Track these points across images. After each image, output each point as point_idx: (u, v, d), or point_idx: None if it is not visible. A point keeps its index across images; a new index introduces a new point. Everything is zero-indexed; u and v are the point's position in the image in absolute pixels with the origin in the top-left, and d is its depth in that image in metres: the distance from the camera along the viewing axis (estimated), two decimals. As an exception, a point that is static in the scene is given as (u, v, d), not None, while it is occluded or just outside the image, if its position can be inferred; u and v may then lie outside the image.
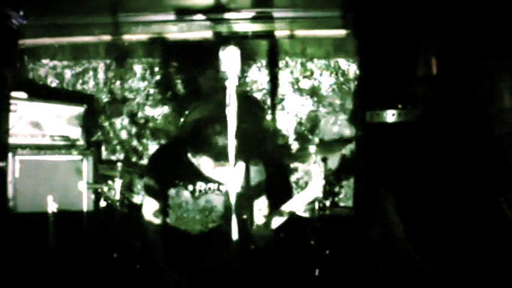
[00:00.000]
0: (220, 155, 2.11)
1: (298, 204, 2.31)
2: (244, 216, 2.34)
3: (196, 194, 2.32)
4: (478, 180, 2.02)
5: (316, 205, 2.78)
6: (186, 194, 2.32)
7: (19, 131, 3.06)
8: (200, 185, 2.32)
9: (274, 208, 2.37)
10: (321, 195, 2.34)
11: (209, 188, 2.33)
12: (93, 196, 3.20)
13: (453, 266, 1.98)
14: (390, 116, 2.58)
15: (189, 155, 2.28)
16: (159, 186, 2.32)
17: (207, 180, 2.31)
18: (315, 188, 2.31)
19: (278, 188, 2.75)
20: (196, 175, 2.30)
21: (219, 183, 2.32)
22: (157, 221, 2.35)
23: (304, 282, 2.74)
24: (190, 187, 2.32)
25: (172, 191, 2.32)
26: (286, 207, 2.31)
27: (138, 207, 2.52)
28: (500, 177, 2.01)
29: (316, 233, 2.81)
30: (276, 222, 2.30)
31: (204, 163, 2.22)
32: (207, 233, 2.34)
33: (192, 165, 2.28)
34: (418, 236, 2.09)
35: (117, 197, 2.90)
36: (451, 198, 2.05)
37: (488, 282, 1.93)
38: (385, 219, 2.24)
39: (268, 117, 3.75)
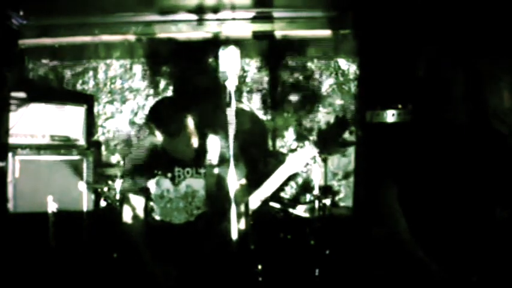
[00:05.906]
0: (174, 131, 2.13)
1: (275, 182, 2.27)
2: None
3: (176, 180, 2.31)
4: (478, 179, 2.02)
5: (316, 205, 2.78)
6: (166, 183, 2.31)
7: (19, 131, 3.06)
8: (178, 170, 2.31)
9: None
10: (300, 169, 2.29)
11: (187, 172, 2.31)
12: (93, 196, 3.20)
13: (457, 262, 1.98)
14: (390, 116, 2.58)
15: (154, 137, 2.25)
16: (141, 180, 2.31)
17: (184, 164, 2.31)
18: (292, 163, 2.27)
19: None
20: (172, 161, 2.29)
21: (197, 167, 2.31)
22: (141, 217, 2.33)
23: (304, 282, 2.75)
24: (169, 174, 2.30)
25: (152, 182, 2.31)
26: (263, 188, 2.28)
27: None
28: (499, 176, 2.01)
29: (316, 233, 2.81)
30: (253, 205, 2.27)
31: (163, 140, 2.21)
32: (193, 222, 2.32)
33: (166, 151, 2.27)
34: (421, 233, 2.09)
35: (117, 197, 2.90)
36: (453, 197, 2.05)
37: (491, 276, 1.93)
38: (389, 216, 2.25)
39: (268, 117, 3.75)
